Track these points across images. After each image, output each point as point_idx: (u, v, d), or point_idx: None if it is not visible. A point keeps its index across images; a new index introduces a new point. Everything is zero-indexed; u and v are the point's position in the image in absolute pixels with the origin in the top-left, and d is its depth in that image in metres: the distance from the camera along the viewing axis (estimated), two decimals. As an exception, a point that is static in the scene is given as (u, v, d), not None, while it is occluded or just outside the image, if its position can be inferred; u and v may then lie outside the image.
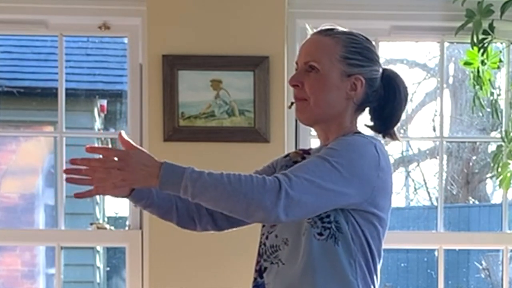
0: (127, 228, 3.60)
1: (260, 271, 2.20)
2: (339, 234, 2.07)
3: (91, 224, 3.72)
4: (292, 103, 2.23)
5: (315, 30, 2.23)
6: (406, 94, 2.26)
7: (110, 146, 8.10)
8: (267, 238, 2.19)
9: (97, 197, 7.67)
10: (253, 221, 2.00)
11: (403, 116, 2.34)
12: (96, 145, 2.14)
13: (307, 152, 2.29)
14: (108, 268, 8.13)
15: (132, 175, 1.97)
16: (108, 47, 7.72)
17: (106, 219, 7.83)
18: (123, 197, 2.19)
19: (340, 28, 2.22)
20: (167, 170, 1.97)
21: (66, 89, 3.63)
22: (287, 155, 2.31)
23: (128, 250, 3.56)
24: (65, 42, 3.61)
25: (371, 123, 2.26)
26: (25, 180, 7.65)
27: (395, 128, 2.30)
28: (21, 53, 7.41)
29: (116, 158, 1.99)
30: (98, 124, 7.61)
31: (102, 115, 7.70)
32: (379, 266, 2.17)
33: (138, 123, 3.54)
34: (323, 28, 2.22)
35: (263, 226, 2.22)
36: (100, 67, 7.68)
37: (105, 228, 3.67)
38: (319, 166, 1.99)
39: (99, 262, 7.74)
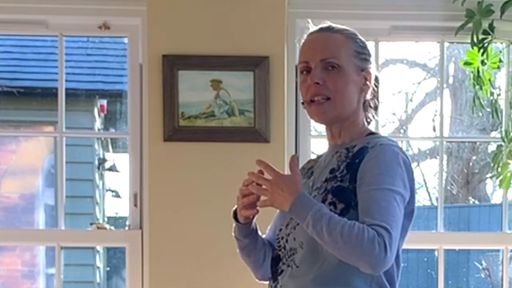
0: (127, 228, 3.60)
1: (276, 274, 2.22)
2: None
3: (91, 224, 3.72)
4: (303, 102, 2.21)
5: (315, 28, 2.23)
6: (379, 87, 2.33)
7: (110, 146, 8.10)
8: (286, 241, 2.20)
9: (97, 197, 7.68)
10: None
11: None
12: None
13: (317, 159, 2.31)
14: (108, 268, 8.13)
15: (272, 195, 2.08)
16: (108, 47, 7.72)
17: (106, 219, 7.83)
18: (242, 223, 2.26)
19: (343, 26, 2.24)
20: (299, 201, 2.05)
21: (66, 89, 3.63)
22: (301, 168, 2.33)
23: (128, 250, 3.56)
24: (65, 42, 3.61)
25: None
26: (25, 180, 7.66)
27: None
28: (21, 53, 7.42)
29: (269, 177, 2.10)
30: (98, 124, 7.61)
31: (102, 115, 7.70)
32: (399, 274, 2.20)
33: (138, 123, 3.54)
34: (327, 25, 2.23)
35: (280, 230, 2.25)
36: (100, 67, 7.69)
37: (105, 228, 3.67)
38: (390, 201, 2.05)
39: (99, 262, 7.74)
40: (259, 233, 2.33)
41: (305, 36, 2.26)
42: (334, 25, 2.23)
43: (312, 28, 2.24)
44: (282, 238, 2.22)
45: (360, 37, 2.24)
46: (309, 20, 2.28)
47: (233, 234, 2.30)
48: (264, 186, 2.10)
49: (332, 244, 2.01)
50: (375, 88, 2.26)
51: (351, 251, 1.99)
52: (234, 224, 2.27)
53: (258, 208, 2.18)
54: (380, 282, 2.11)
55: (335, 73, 2.16)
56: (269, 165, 2.12)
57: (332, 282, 2.09)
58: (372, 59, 2.26)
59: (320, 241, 2.04)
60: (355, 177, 2.11)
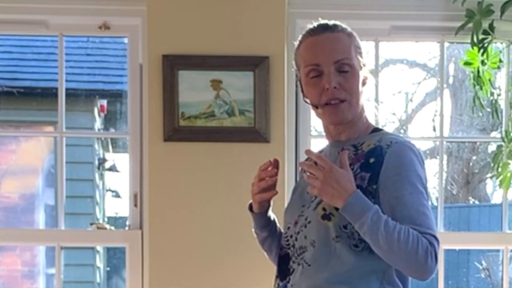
0: (127, 228, 3.60)
1: (287, 273, 2.21)
2: None
3: (91, 224, 3.72)
4: (316, 106, 2.19)
5: (313, 27, 2.22)
6: None
7: (110, 146, 8.10)
8: (296, 239, 2.20)
9: (97, 197, 7.68)
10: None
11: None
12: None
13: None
14: (108, 268, 8.14)
15: (322, 186, 2.06)
16: (108, 47, 7.72)
17: (106, 219, 7.84)
18: (257, 212, 2.28)
19: (337, 22, 2.24)
20: (356, 200, 2.05)
21: (66, 89, 3.63)
22: (301, 169, 2.33)
23: (128, 250, 3.56)
24: (65, 42, 3.60)
25: None
26: (25, 180, 7.66)
27: None
28: (21, 53, 7.42)
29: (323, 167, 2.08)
30: (98, 124, 7.61)
31: (102, 115, 7.70)
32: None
33: (138, 123, 3.54)
34: (326, 24, 2.22)
35: (288, 228, 2.25)
36: (100, 67, 7.69)
37: (105, 228, 3.66)
38: (424, 204, 2.09)
39: (99, 262, 7.74)
40: (278, 225, 2.34)
41: (301, 37, 2.24)
42: (331, 22, 2.22)
43: (310, 27, 2.23)
44: (291, 236, 2.22)
45: (355, 34, 2.25)
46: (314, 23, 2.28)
47: (252, 230, 2.33)
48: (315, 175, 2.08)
49: (385, 248, 2.03)
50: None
51: (405, 257, 2.03)
52: (251, 218, 2.30)
53: (275, 190, 2.20)
54: (392, 281, 2.12)
55: (349, 74, 2.17)
56: (320, 156, 2.12)
57: (346, 281, 2.08)
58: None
59: (372, 243, 2.05)
60: (376, 179, 2.10)
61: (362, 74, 2.21)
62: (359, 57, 2.20)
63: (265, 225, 2.30)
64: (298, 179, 2.40)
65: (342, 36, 2.19)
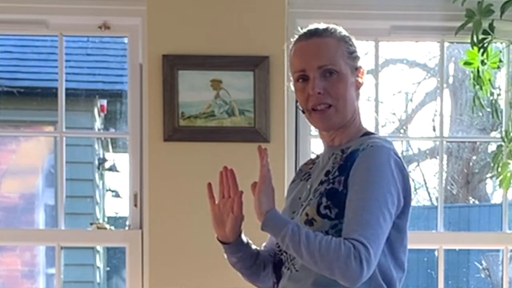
0: (127, 228, 3.60)
1: (278, 279, 2.22)
2: None
3: (91, 224, 3.72)
4: (303, 111, 2.19)
5: (302, 32, 2.21)
6: None
7: (110, 146, 8.09)
8: None
9: (97, 197, 7.68)
10: None
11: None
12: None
13: (315, 160, 2.29)
14: (108, 268, 8.13)
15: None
16: (108, 47, 7.72)
17: (106, 219, 7.83)
18: (227, 241, 2.27)
19: (330, 26, 2.21)
20: (274, 215, 2.08)
21: (66, 89, 3.63)
22: (299, 170, 2.34)
23: (128, 250, 3.56)
24: (65, 42, 3.60)
25: None
26: (25, 180, 7.66)
27: None
28: (21, 53, 7.42)
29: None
30: (98, 124, 7.61)
31: (102, 115, 7.70)
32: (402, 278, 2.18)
33: (138, 123, 3.54)
34: (314, 30, 2.20)
35: None
36: (100, 67, 7.69)
37: (105, 228, 3.66)
38: (374, 212, 2.03)
39: (99, 262, 7.74)
40: (252, 246, 2.29)
41: (293, 42, 2.23)
42: (321, 27, 2.21)
43: (301, 32, 2.22)
44: None
45: (348, 35, 2.22)
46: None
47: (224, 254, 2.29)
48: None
49: (308, 258, 2.02)
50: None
51: (328, 264, 2.00)
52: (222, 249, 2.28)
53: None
54: (378, 284, 2.10)
55: (334, 79, 2.14)
56: (267, 161, 2.12)
57: (331, 285, 2.07)
58: (359, 52, 2.24)
59: (296, 254, 2.05)
60: (347, 182, 2.09)
61: (354, 77, 2.18)
62: (349, 61, 2.17)
63: (237, 251, 2.27)
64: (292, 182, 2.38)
65: (329, 41, 2.16)
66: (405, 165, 2.15)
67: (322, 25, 2.21)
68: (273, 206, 2.09)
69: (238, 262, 2.28)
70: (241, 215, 2.19)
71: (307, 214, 2.11)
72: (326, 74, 2.14)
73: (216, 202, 2.23)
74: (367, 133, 2.22)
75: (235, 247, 2.25)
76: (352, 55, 2.18)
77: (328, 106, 2.15)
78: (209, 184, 2.24)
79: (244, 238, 2.26)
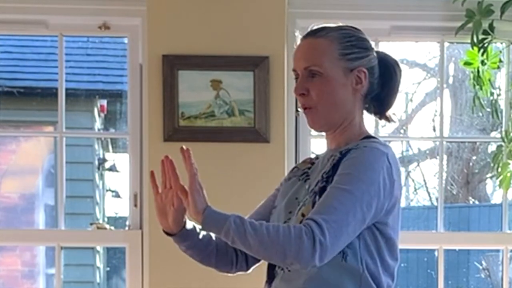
0: (127, 228, 3.60)
1: (271, 279, 2.20)
2: (347, 249, 2.05)
3: (91, 224, 3.72)
4: (297, 111, 2.20)
5: (304, 33, 2.20)
6: (401, 72, 2.26)
7: (110, 146, 8.09)
8: None
9: (97, 197, 7.69)
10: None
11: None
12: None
13: (314, 161, 2.27)
14: (108, 268, 8.14)
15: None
16: (108, 47, 7.73)
17: (106, 219, 7.84)
18: (172, 233, 2.20)
19: (330, 25, 2.19)
20: (213, 211, 2.04)
21: (66, 89, 3.63)
22: (295, 167, 2.31)
23: (128, 250, 3.56)
24: (65, 42, 3.61)
25: (367, 106, 2.23)
26: (25, 180, 7.66)
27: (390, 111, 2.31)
28: (21, 53, 7.42)
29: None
30: (98, 124, 7.62)
31: (102, 115, 7.71)
32: (394, 281, 2.17)
33: (138, 123, 3.54)
34: (313, 29, 2.19)
35: None
36: (100, 67, 7.69)
37: (105, 228, 3.67)
38: (343, 202, 1.98)
39: (99, 262, 7.74)
40: (201, 233, 2.23)
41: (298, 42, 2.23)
42: (323, 26, 2.18)
43: (304, 32, 2.21)
44: None
45: (350, 35, 2.17)
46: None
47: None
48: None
49: (257, 247, 1.97)
50: (378, 80, 2.19)
51: (279, 249, 1.95)
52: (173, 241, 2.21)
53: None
54: (368, 285, 2.08)
55: (318, 81, 2.12)
56: (193, 162, 2.08)
57: (322, 285, 2.06)
58: (370, 52, 2.19)
59: (244, 247, 1.99)
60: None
61: (348, 79, 2.14)
62: (341, 63, 2.13)
63: (184, 239, 2.20)
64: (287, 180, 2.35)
65: (320, 42, 2.14)
66: (399, 172, 2.11)
67: (321, 25, 2.19)
68: (207, 204, 2.05)
69: (187, 249, 2.23)
70: (182, 208, 2.12)
71: (303, 215, 2.10)
72: (311, 75, 2.13)
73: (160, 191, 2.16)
74: (368, 137, 2.19)
75: (181, 237, 2.19)
76: (347, 56, 2.14)
77: (309, 107, 2.14)
78: (152, 172, 2.17)
79: (189, 226, 2.20)
